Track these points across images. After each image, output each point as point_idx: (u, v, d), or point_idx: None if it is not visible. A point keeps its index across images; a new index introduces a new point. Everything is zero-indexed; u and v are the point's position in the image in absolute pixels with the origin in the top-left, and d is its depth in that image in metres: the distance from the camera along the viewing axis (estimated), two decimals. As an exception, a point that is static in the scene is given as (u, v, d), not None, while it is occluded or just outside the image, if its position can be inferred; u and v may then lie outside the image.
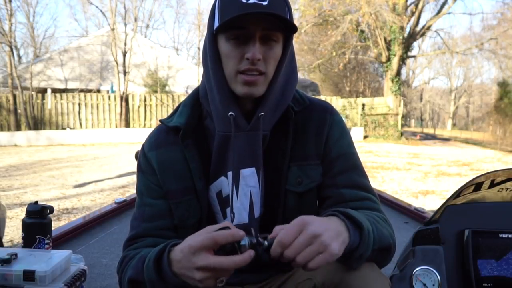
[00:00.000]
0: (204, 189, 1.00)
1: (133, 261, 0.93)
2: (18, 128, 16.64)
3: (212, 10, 0.95)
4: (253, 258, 0.74)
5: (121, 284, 0.97)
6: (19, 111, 16.79)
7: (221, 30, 0.91)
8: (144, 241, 0.99)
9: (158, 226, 1.00)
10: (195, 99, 1.05)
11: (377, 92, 29.47)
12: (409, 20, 20.11)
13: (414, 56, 26.45)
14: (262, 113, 0.95)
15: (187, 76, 20.27)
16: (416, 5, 20.49)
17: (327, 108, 1.05)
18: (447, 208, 1.19)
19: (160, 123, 1.06)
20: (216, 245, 0.74)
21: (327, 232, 0.75)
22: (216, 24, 0.92)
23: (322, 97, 18.02)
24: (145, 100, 17.79)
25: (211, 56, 0.94)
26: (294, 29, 0.92)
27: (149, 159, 1.03)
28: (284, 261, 0.74)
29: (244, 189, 0.98)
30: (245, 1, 0.87)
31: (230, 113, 0.94)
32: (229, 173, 0.98)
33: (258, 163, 0.97)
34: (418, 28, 21.42)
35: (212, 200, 1.01)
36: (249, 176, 0.98)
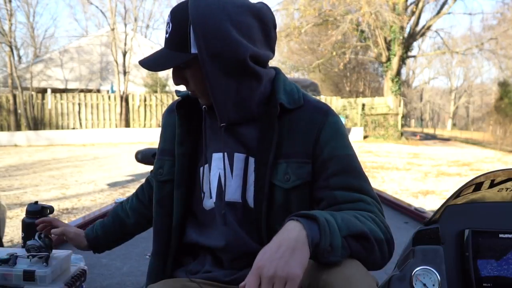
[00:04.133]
0: (183, 156, 1.10)
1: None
2: (18, 128, 16.64)
3: None
4: None
5: None
6: (19, 111, 16.79)
7: None
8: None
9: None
10: None
11: (377, 92, 29.45)
12: (409, 20, 20.10)
13: (414, 56, 26.45)
14: (218, 109, 1.02)
15: (187, 76, 20.24)
16: (416, 5, 20.48)
17: (321, 109, 1.05)
18: (447, 208, 1.19)
19: None
20: None
21: (280, 260, 0.78)
22: None
23: (322, 97, 18.02)
24: (145, 100, 17.80)
25: None
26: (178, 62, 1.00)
27: (162, 122, 1.21)
28: None
29: (214, 170, 1.07)
30: (165, 34, 1.01)
31: (203, 106, 1.08)
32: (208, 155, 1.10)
33: (222, 149, 1.06)
34: (418, 28, 21.42)
35: (199, 177, 1.10)
36: (218, 160, 1.07)
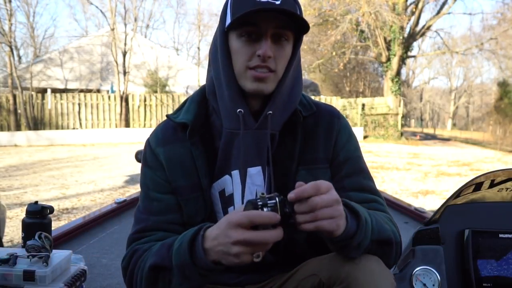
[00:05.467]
0: (208, 186, 1.00)
1: (152, 250, 0.91)
2: (18, 128, 16.63)
3: (224, 7, 0.97)
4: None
5: (131, 276, 0.94)
6: (19, 111, 16.78)
7: (233, 27, 0.92)
8: (155, 235, 0.97)
9: (168, 220, 0.99)
10: (203, 96, 1.05)
11: (377, 92, 29.44)
12: (409, 20, 20.09)
13: (414, 56, 26.43)
14: (270, 112, 0.95)
15: (187, 76, 20.26)
16: (416, 5, 20.48)
17: (334, 113, 1.07)
18: (447, 208, 1.19)
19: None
20: (251, 224, 0.74)
21: (339, 202, 0.78)
22: (228, 21, 0.93)
23: (322, 97, 18.02)
24: (145, 100, 17.79)
25: (222, 52, 0.95)
26: (305, 28, 0.93)
27: (156, 155, 1.02)
28: (301, 211, 0.75)
29: (251, 188, 0.98)
30: (258, 0, 0.88)
31: (239, 110, 0.94)
32: (234, 172, 0.98)
33: (264, 162, 0.98)
34: (418, 28, 21.40)
35: (214, 198, 1.01)
36: (255, 175, 0.98)
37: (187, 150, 0.99)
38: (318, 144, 1.02)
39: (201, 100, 1.04)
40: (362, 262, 0.84)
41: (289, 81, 0.98)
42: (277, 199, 0.76)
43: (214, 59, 0.99)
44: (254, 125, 0.95)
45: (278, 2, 0.88)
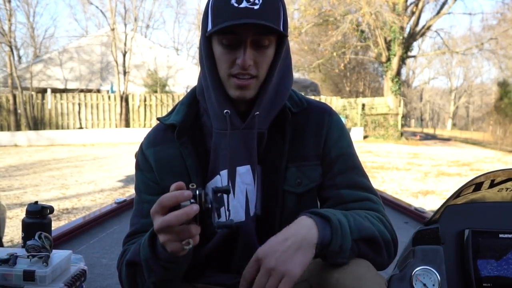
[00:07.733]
0: (201, 186, 1.00)
1: (132, 248, 0.95)
2: (18, 128, 16.63)
3: (205, 10, 0.96)
4: (199, 214, 0.77)
5: (121, 276, 0.98)
6: (19, 111, 16.78)
7: (214, 33, 0.92)
8: (144, 236, 0.99)
9: None
10: (193, 97, 1.06)
11: (377, 92, 29.46)
12: (409, 20, 20.10)
13: (414, 56, 26.42)
14: (258, 112, 0.96)
15: (187, 76, 20.27)
16: (416, 5, 20.48)
17: (325, 109, 1.06)
18: (447, 208, 1.19)
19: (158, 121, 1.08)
20: (164, 209, 0.76)
21: (282, 255, 0.78)
22: (209, 25, 0.92)
23: (322, 97, 18.02)
24: (145, 100, 17.80)
25: (206, 57, 0.96)
26: (285, 34, 0.94)
27: (146, 157, 1.04)
28: None
29: (241, 186, 0.99)
30: (236, 5, 0.87)
31: (225, 111, 0.95)
32: (223, 172, 0.99)
33: (253, 160, 0.98)
34: (418, 28, 21.41)
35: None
36: (245, 174, 0.99)
37: (177, 151, 1.01)
38: (307, 140, 1.02)
39: (190, 101, 1.05)
40: (350, 268, 0.83)
41: (274, 82, 0.97)
42: (197, 190, 0.78)
43: (201, 62, 0.99)
44: (241, 125, 0.97)
45: (257, 7, 0.87)
